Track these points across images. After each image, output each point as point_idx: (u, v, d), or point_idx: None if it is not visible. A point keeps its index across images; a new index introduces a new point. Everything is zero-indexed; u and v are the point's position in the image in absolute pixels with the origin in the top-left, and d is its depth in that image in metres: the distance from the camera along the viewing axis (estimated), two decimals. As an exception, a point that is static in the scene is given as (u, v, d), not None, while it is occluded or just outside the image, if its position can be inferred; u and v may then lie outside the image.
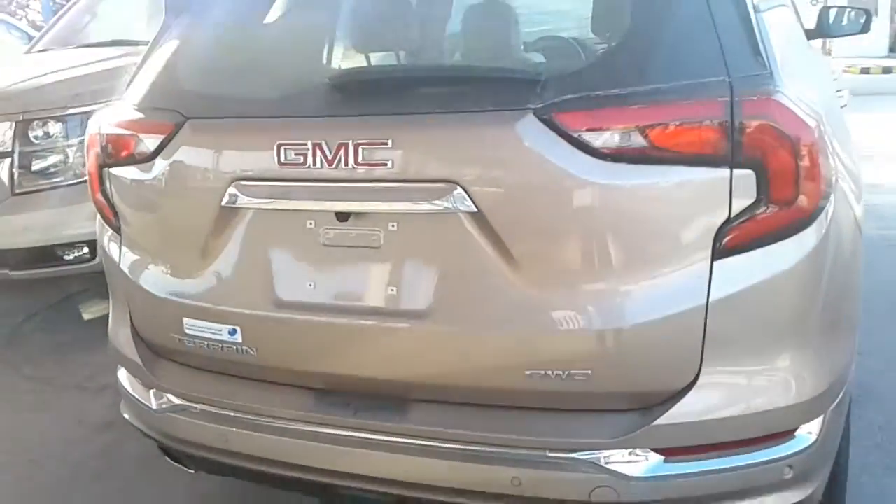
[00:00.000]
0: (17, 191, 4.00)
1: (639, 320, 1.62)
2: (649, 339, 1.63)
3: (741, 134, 1.53)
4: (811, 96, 1.74)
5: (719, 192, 1.56)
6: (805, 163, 1.55)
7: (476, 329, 1.72)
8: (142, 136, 2.00)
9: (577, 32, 2.77)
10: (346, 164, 1.72)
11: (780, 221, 1.57)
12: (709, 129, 1.54)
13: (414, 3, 2.51)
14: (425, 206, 1.69)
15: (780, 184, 1.55)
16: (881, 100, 12.16)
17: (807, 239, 1.60)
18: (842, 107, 2.46)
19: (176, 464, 2.30)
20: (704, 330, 1.60)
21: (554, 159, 1.60)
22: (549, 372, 1.66)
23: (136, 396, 2.22)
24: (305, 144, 1.75)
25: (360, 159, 1.71)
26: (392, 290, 1.77)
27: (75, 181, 4.03)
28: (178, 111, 1.95)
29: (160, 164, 1.96)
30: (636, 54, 1.71)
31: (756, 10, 1.68)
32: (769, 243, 1.58)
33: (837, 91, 2.54)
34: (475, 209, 1.65)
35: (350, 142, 1.71)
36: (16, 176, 3.99)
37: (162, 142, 1.95)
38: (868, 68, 16.73)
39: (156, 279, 2.08)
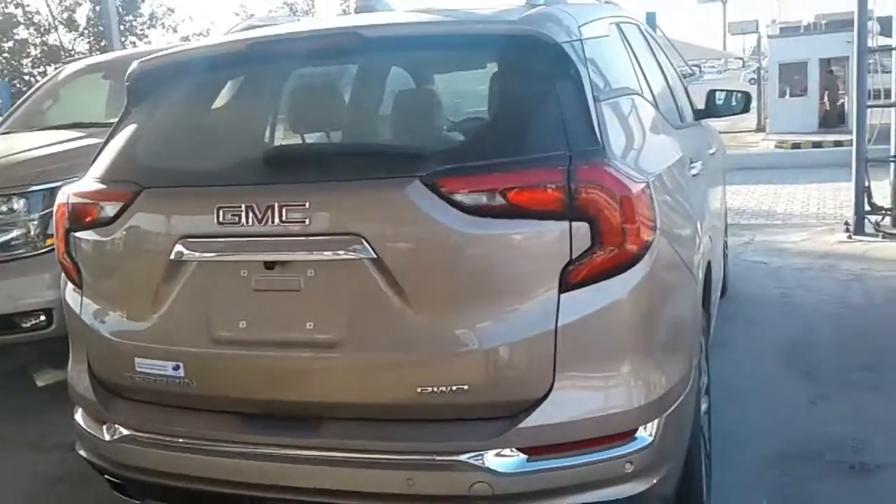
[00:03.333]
0: (-21, 262, 4.16)
1: (504, 342, 2.01)
2: (512, 357, 2.02)
3: (577, 194, 1.96)
4: (644, 166, 2.20)
5: (562, 239, 1.97)
6: (629, 217, 1.98)
7: (378, 354, 2.10)
8: (104, 203, 2.38)
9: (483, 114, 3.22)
10: (273, 222, 2.11)
11: (611, 262, 1.99)
12: (552, 191, 1.98)
13: (346, 98, 2.95)
14: (337, 255, 2.08)
15: (609, 233, 1.97)
16: (809, 172, 12.80)
17: (635, 275, 2.01)
18: (693, 175, 2.93)
19: (123, 496, 2.57)
20: (555, 349, 1.99)
21: (435, 215, 2.01)
22: (435, 387, 2.03)
23: (91, 431, 2.50)
24: (239, 207, 2.14)
25: (283, 218, 2.10)
26: (310, 324, 2.14)
27: (35, 253, 4.21)
28: (136, 182, 2.34)
29: (119, 227, 2.33)
30: (500, 133, 2.18)
31: (596, 100, 2.13)
32: (604, 279, 1.99)
33: (692, 164, 3.00)
34: (375, 256, 2.04)
35: (276, 204, 2.11)
36: (-22, 248, 4.17)
37: (121, 208, 2.33)
38: (799, 143, 17.84)
39: (112, 326, 2.42)
